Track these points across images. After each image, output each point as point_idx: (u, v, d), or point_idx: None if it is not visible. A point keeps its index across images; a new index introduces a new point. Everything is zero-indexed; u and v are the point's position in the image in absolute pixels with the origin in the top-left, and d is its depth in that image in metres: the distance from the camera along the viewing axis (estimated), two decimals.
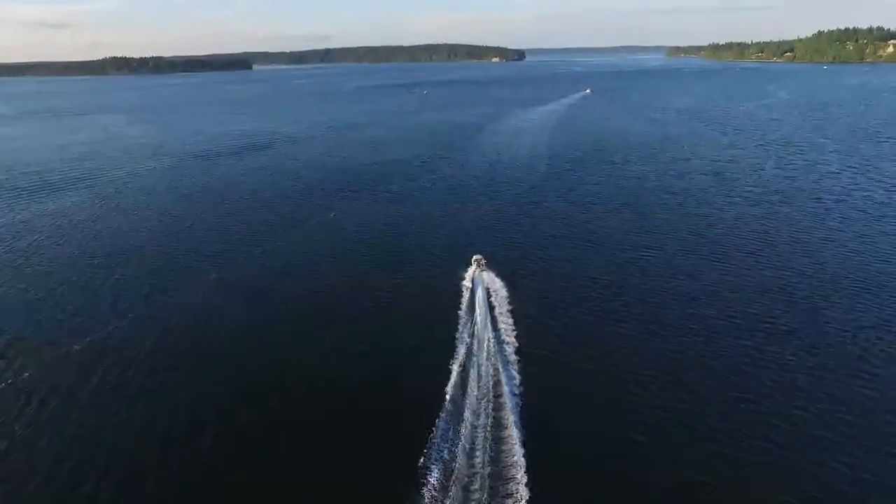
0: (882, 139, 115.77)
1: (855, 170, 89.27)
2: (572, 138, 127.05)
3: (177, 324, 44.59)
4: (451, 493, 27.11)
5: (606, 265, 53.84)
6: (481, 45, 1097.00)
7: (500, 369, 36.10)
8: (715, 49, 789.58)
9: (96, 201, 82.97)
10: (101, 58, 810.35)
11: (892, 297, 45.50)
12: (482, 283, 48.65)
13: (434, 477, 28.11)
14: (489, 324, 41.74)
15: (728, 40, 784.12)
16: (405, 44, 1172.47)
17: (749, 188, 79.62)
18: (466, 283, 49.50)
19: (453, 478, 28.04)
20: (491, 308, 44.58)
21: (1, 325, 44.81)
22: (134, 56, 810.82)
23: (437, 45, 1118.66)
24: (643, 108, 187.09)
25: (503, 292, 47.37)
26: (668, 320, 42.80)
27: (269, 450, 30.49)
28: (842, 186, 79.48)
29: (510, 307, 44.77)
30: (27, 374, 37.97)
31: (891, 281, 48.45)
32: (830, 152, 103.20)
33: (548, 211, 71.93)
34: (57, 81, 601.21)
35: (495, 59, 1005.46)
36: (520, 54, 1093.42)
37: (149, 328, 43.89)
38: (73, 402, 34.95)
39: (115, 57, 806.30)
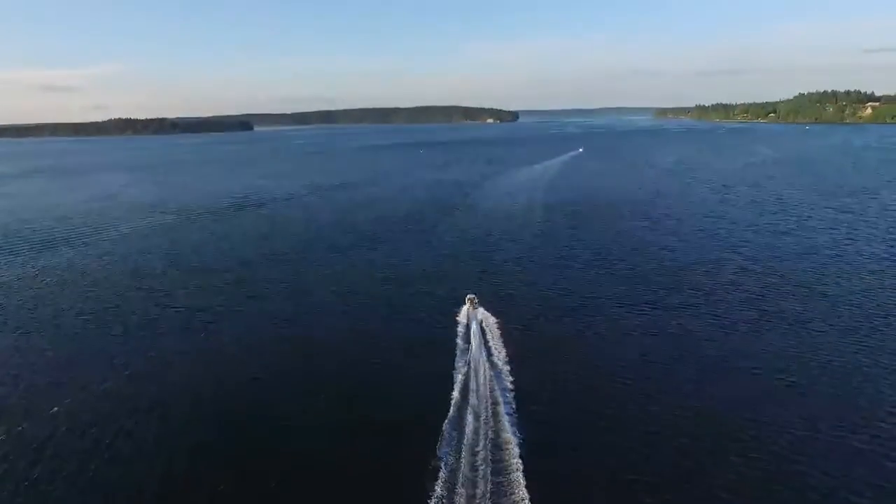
0: (871, 195, 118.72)
1: (848, 224, 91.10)
2: (566, 195, 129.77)
3: (173, 380, 44.02)
4: None
5: (604, 318, 53.94)
6: (476, 106, 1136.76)
7: (498, 399, 38.54)
8: (702, 110, 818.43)
9: (93, 258, 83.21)
10: (105, 119, 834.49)
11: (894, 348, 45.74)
12: (476, 319, 51.96)
13: None
14: (484, 357, 44.77)
15: (714, 101, 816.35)
16: (403, 105, 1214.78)
17: (744, 243, 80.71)
18: (461, 319, 53.20)
19: None
20: (486, 345, 47.24)
21: None
22: (138, 118, 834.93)
23: (434, 107, 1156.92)
24: (635, 166, 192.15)
25: (497, 329, 50.51)
26: (666, 376, 42.60)
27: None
28: (836, 240, 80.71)
29: (503, 344, 47.36)
30: (15, 433, 37.14)
31: (892, 332, 48.78)
32: (823, 208, 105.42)
33: (542, 265, 72.42)
34: (61, 142, 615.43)
35: (490, 120, 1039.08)
36: (514, 115, 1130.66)
37: (143, 384, 43.32)
38: (63, 461, 34.02)
39: (119, 118, 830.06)
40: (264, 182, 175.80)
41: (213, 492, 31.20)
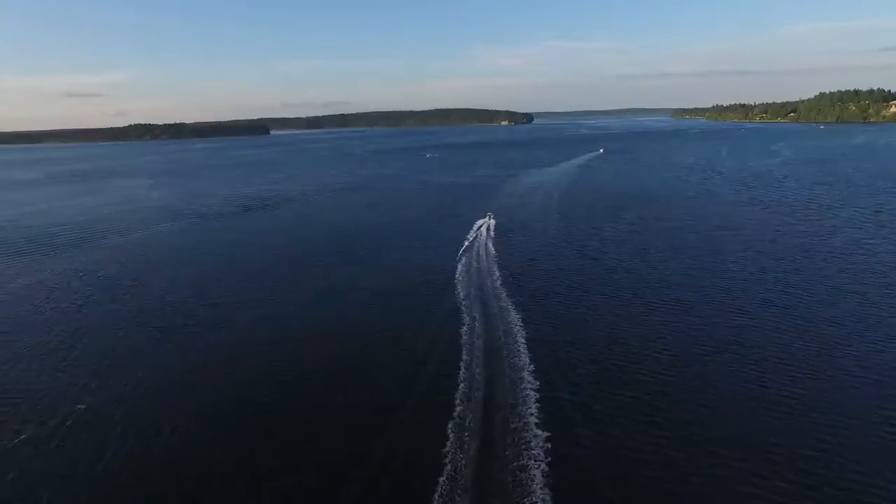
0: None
1: (875, 224, 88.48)
2: (589, 196, 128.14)
3: (183, 382, 43.46)
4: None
5: (621, 317, 52.31)
6: (490, 108, 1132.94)
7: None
8: (719, 110, 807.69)
9: (110, 261, 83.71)
10: (125, 125, 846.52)
11: None
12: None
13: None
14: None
15: (732, 101, 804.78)
16: (417, 108, 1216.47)
17: (768, 242, 78.49)
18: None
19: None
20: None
21: None
22: (157, 123, 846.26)
23: (449, 110, 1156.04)
24: (656, 167, 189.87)
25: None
26: (691, 385, 40.92)
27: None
28: (867, 240, 78.24)
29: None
30: (19, 440, 36.57)
31: None
32: (848, 207, 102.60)
33: (561, 266, 70.95)
34: (83, 147, 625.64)
35: (505, 123, 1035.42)
36: (528, 117, 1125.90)
37: (149, 389, 42.80)
38: (75, 467, 33.34)
39: (138, 124, 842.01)
40: (278, 186, 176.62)
41: (224, 489, 30.41)
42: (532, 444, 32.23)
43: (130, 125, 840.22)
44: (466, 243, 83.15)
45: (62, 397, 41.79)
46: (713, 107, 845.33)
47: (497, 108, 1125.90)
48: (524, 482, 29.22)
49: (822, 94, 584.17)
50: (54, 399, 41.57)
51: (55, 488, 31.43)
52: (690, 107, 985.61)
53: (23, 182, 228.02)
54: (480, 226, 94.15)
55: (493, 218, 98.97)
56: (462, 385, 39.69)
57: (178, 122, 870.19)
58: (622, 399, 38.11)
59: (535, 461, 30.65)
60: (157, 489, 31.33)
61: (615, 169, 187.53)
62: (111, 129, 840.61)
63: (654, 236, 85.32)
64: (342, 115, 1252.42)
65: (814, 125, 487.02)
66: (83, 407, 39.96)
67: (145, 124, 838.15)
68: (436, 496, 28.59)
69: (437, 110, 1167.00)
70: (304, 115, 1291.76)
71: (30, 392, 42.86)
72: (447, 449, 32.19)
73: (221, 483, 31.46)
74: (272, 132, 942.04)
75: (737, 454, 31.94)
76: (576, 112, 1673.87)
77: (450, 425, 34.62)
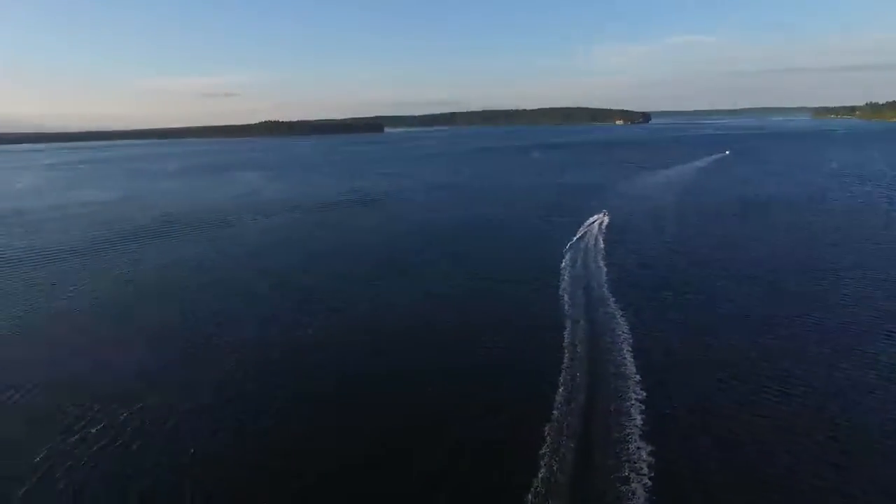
0: None
1: None
2: (713, 200, 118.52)
3: (280, 364, 45.73)
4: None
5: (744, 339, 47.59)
6: (604, 107, 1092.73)
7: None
8: (874, 108, 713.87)
9: (230, 245, 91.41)
10: (255, 122, 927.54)
11: None
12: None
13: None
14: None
15: (890, 98, 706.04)
16: (526, 107, 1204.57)
17: None
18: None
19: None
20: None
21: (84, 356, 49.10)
22: (283, 120, 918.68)
23: (561, 108, 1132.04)
24: (791, 172, 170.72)
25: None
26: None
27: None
28: None
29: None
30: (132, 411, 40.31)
31: None
32: None
33: (678, 272, 65.92)
34: (218, 143, 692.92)
35: (619, 122, 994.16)
36: (645, 116, 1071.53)
37: (252, 370, 45.35)
38: (178, 442, 36.17)
39: (267, 121, 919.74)
40: (384, 182, 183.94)
41: (311, 475, 31.41)
42: (634, 456, 30.35)
43: (261, 123, 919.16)
44: (576, 237, 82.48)
45: (173, 371, 45.15)
46: (866, 104, 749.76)
47: (611, 107, 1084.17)
48: (624, 494, 27.55)
49: None
50: (166, 373, 44.77)
51: (159, 458, 33.93)
52: (836, 105, 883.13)
53: (172, 172, 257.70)
54: (593, 222, 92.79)
55: (608, 215, 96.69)
56: (561, 388, 38.27)
57: (301, 119, 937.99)
58: (740, 419, 34.64)
59: (638, 474, 28.78)
60: (252, 465, 32.79)
61: (743, 172, 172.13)
62: (242, 126, 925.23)
63: (784, 249, 76.50)
64: (452, 114, 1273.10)
65: None
66: (189, 382, 43.19)
67: (273, 122, 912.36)
68: (528, 496, 27.83)
69: (549, 109, 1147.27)
70: (416, 114, 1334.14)
71: (148, 365, 46.53)
72: (543, 451, 31.16)
73: (309, 469, 32.13)
74: (386, 129, 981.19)
75: (877, 486, 27.85)
76: (698, 111, 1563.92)
77: (546, 428, 33.44)
